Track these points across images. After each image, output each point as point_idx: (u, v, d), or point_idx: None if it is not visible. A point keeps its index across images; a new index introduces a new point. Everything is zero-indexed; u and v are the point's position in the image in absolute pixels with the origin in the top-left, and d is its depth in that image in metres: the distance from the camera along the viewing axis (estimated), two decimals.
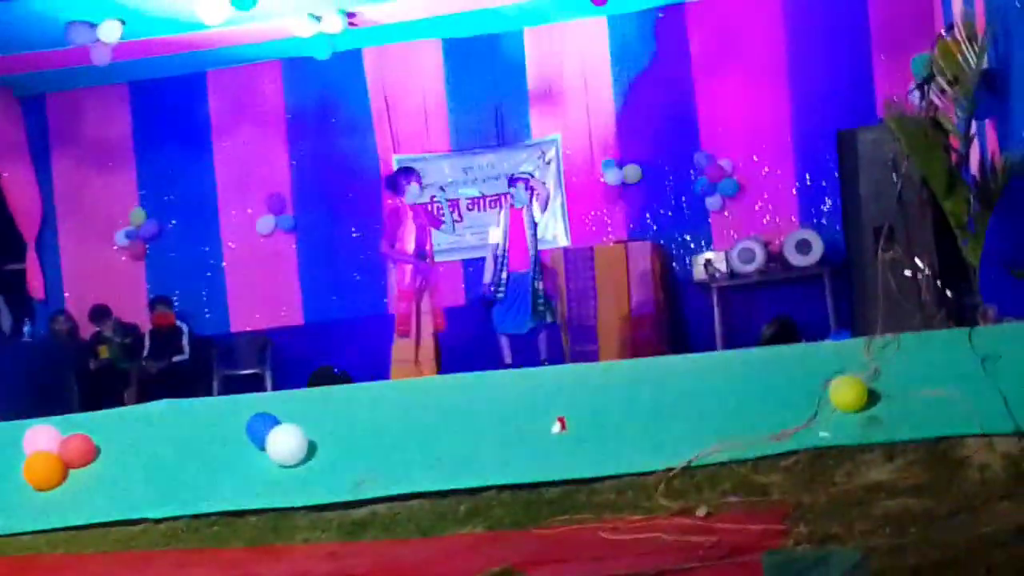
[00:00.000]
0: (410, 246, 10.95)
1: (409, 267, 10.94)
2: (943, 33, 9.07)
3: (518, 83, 13.51)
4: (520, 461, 6.20)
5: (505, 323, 11.28)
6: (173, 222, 14.10)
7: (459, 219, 13.18)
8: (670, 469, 5.77)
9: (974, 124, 8.11)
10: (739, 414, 6.16)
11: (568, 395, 6.90)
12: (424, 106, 13.72)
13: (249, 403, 7.41)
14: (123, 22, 11.33)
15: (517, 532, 5.64)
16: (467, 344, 11.74)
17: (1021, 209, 7.52)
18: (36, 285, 14.10)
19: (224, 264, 13.93)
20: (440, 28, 13.25)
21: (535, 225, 11.43)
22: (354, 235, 13.73)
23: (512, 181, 11.70)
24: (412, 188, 11.07)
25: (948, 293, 8.04)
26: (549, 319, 11.35)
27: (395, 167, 13.28)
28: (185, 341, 13.08)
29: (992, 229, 7.76)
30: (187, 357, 13.04)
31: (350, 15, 12.14)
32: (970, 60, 7.97)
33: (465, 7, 12.51)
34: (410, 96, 13.73)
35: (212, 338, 13.59)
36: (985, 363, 5.92)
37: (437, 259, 11.52)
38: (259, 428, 6.63)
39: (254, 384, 12.96)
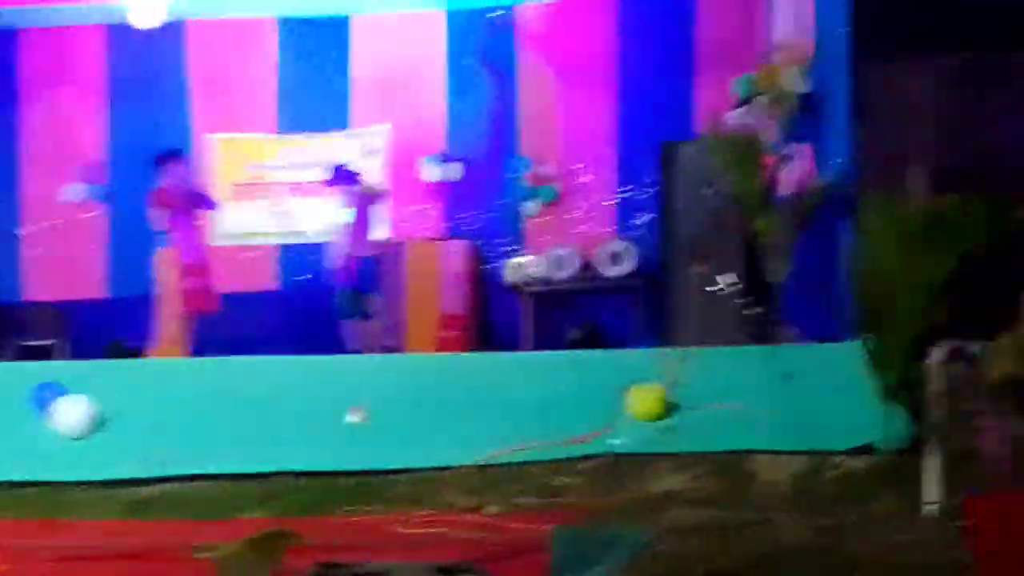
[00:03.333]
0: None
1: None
2: (767, 54, 9.23)
3: (347, 70, 13.36)
4: (317, 448, 6.13)
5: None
6: None
7: (278, 203, 12.97)
8: (465, 466, 5.74)
9: (790, 147, 8.26)
10: (538, 416, 6.18)
11: (370, 386, 6.84)
12: (250, 85, 13.45)
13: (36, 371, 7.18)
14: None
15: (309, 519, 5.55)
16: (278, 330, 11.65)
17: (829, 232, 7.69)
18: None
19: (22, 230, 13.44)
20: (273, 5, 13.03)
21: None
22: None
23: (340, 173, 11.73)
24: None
25: (752, 310, 8.17)
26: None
27: (212, 144, 13.06)
28: None
29: (800, 250, 7.92)
30: None
31: None
32: (791, 84, 8.11)
33: None
34: (236, 74, 13.45)
35: (3, 306, 13.11)
36: (782, 381, 6.02)
37: (256, 241, 11.52)
38: (44, 397, 6.40)
39: (47, 355, 12.52)
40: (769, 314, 8.04)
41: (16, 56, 13.31)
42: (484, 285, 12.79)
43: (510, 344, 12.20)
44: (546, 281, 12.43)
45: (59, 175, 13.27)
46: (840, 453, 5.51)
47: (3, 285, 13.13)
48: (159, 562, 4.98)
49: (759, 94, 8.55)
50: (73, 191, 13.31)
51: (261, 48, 13.31)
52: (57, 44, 13.31)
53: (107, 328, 12.61)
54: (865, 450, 5.49)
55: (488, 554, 4.59)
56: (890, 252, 5.72)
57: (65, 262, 13.24)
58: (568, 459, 5.74)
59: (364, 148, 13.16)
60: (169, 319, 10.63)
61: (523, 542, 4.74)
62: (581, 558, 3.65)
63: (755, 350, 6.85)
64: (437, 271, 12.32)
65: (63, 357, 12.57)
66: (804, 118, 8.22)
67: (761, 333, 7.92)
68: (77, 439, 6.34)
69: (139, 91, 13.34)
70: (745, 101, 8.71)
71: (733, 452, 5.63)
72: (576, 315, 12.48)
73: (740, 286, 8.46)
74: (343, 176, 11.73)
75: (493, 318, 12.75)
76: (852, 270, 5.57)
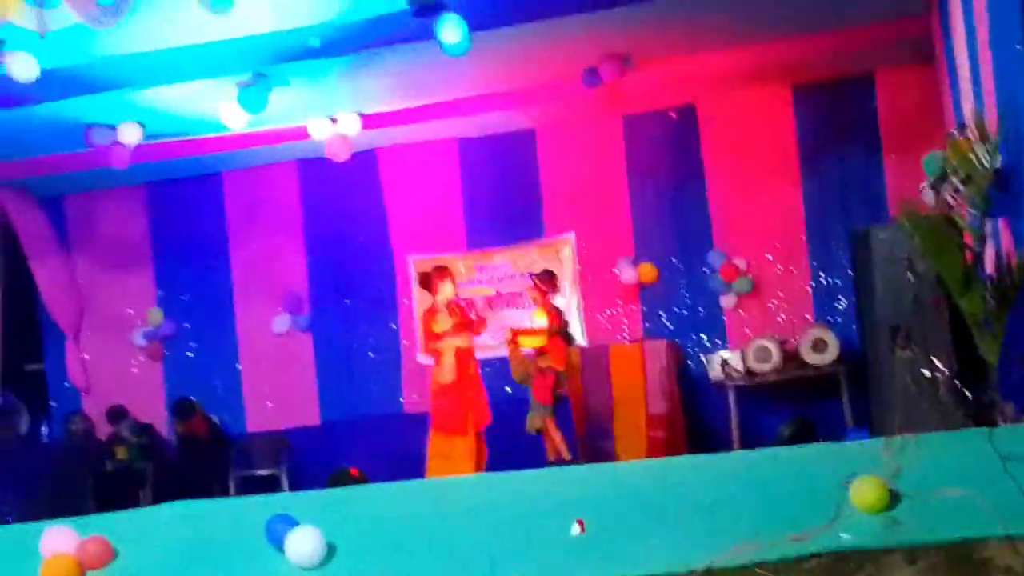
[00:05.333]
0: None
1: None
2: (954, 132, 9.13)
3: (532, 181, 13.61)
4: (542, 563, 6.15)
5: None
6: (188, 324, 14.13)
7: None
8: (692, 571, 5.72)
9: (988, 222, 8.13)
10: (759, 515, 6.12)
11: (587, 496, 6.86)
12: (439, 205, 13.82)
13: (267, 504, 7.38)
14: (143, 125, 11.48)
15: None
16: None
17: None
18: (78, 376, 14.16)
19: (240, 364, 13.95)
20: (454, 128, 13.40)
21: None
22: (370, 334, 13.75)
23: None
24: (445, 286, 11.21)
25: (967, 392, 8.01)
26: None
27: (411, 266, 13.40)
28: (220, 429, 13.27)
29: (1009, 327, 7.75)
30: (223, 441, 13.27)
31: (365, 116, 12.30)
32: (982, 159, 8.00)
33: (480, 109, 12.66)
34: (425, 195, 13.84)
35: (229, 438, 13.57)
36: (1006, 463, 5.89)
37: None
38: (278, 529, 6.59)
39: (271, 485, 12.92)
40: (984, 395, 7.88)
41: (222, 198, 13.95)
42: (688, 382, 12.82)
43: (719, 439, 12.17)
44: (750, 373, 12.39)
45: (268, 308, 13.81)
46: None
47: (229, 418, 13.66)
48: None
49: (950, 172, 8.45)
50: (280, 322, 13.79)
51: (446, 168, 13.71)
52: (256, 182, 13.92)
53: (322, 455, 12.97)
54: None
55: None
56: None
57: (280, 392, 13.71)
58: (794, 557, 5.67)
59: (554, 256, 13.37)
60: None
61: None
62: None
63: (974, 433, 6.68)
64: (641, 372, 12.39)
65: (283, 486, 12.98)
66: (999, 193, 8.10)
67: (978, 415, 7.76)
68: (310, 569, 6.49)
69: (334, 220, 13.84)
70: (937, 180, 8.61)
71: (964, 540, 5.51)
72: (783, 405, 12.41)
73: (948, 369, 8.31)
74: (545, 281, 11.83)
75: (700, 415, 12.76)
76: None
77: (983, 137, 8.11)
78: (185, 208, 14.16)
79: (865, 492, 5.91)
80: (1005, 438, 6.24)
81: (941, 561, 5.46)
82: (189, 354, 14.10)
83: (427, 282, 11.37)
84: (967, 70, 9.69)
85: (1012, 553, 5.37)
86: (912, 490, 5.96)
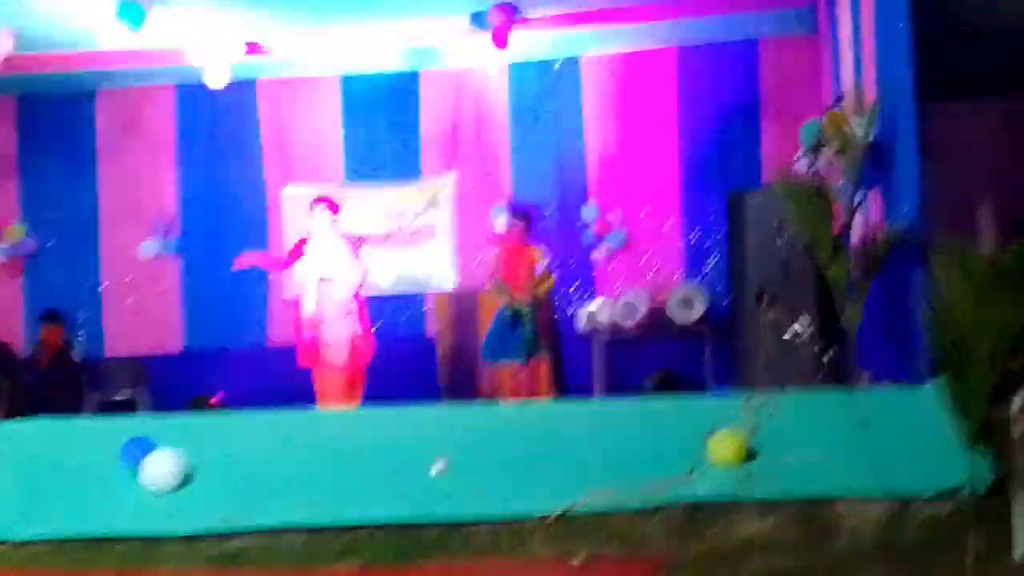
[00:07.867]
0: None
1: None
2: (833, 103, 9.27)
3: (413, 123, 13.53)
4: (398, 500, 6.17)
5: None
6: (53, 241, 13.80)
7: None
8: (547, 515, 5.78)
9: (859, 193, 8.29)
10: (618, 463, 6.20)
11: (448, 436, 6.90)
12: (318, 140, 13.66)
13: (124, 426, 7.29)
14: (15, 33, 11.14)
15: (391, 571, 5.62)
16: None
17: (900, 279, 7.71)
18: None
19: (103, 286, 13.68)
20: (338, 65, 13.26)
21: None
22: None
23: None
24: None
25: (826, 357, 8.19)
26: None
27: (284, 197, 13.28)
28: (77, 351, 13.00)
29: (871, 297, 7.94)
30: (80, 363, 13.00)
31: (249, 45, 12.10)
32: (858, 131, 8.15)
33: (365, 47, 12.54)
34: (304, 129, 13.67)
35: (86, 361, 13.33)
36: (859, 427, 6.04)
37: None
38: (134, 452, 6.51)
39: (128, 410, 12.71)
40: (843, 360, 8.06)
41: (93, 116, 13.64)
42: (555, 333, 12.85)
43: (584, 390, 12.25)
44: (616, 327, 12.50)
45: (135, 230, 13.56)
46: (923, 498, 5.51)
47: (87, 341, 13.41)
48: None
49: (826, 143, 8.58)
50: (148, 246, 13.56)
51: (327, 104, 13.56)
52: (131, 103, 13.63)
53: (183, 382, 12.81)
54: (948, 495, 5.49)
55: None
56: (963, 298, 5.74)
57: (143, 317, 13.51)
58: (650, 507, 5.76)
59: (433, 197, 13.33)
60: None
61: None
62: None
63: (832, 395, 6.87)
64: None
65: (143, 411, 12.79)
66: (872, 165, 8.26)
67: (835, 379, 7.94)
68: (165, 493, 6.43)
69: (209, 147, 13.63)
70: (812, 149, 8.75)
71: (815, 498, 5.65)
72: (647, 361, 12.53)
73: (812, 328, 8.48)
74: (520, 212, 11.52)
75: (564, 365, 12.80)
76: (926, 315, 5.58)
77: (860, 109, 8.26)
78: (56, 124, 13.77)
79: (723, 446, 6.03)
80: (860, 402, 6.42)
81: (792, 517, 5.59)
82: (50, 273, 13.75)
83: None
84: (849, 43, 9.84)
85: (860, 514, 5.52)
86: (768, 448, 6.10)
